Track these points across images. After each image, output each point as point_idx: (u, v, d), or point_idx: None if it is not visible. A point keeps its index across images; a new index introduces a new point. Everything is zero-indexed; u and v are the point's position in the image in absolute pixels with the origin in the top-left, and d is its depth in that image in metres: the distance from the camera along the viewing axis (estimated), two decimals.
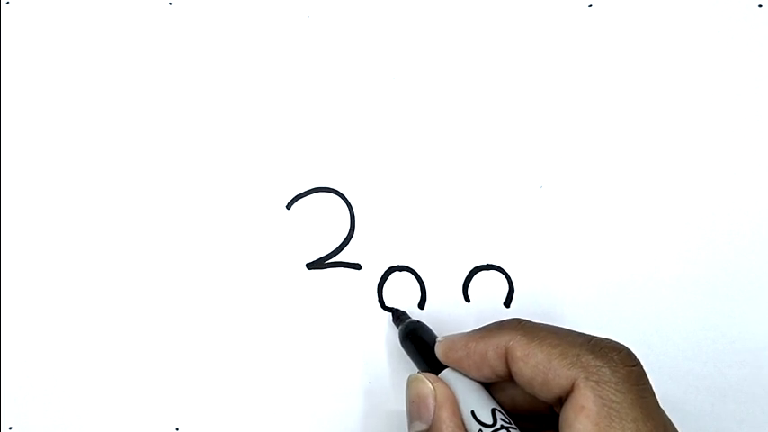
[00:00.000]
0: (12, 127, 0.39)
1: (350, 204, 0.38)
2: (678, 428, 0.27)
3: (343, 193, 0.38)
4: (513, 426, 0.28)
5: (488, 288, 0.37)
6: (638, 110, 0.38)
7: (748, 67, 0.38)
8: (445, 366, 0.31)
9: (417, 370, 0.32)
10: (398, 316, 0.36)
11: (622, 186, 0.38)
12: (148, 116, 0.39)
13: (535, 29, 0.38)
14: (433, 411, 0.29)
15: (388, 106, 0.38)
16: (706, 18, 0.38)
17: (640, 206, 0.37)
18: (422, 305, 0.37)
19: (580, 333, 0.28)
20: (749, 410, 0.36)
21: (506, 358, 0.28)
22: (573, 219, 0.37)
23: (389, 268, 0.38)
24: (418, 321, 0.35)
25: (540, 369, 0.27)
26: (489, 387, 0.30)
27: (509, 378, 0.29)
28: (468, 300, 0.37)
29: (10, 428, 0.37)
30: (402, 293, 0.37)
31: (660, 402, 0.27)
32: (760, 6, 0.38)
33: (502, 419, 0.28)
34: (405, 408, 0.31)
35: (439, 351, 0.31)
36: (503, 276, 0.37)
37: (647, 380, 0.27)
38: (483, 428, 0.28)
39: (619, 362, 0.26)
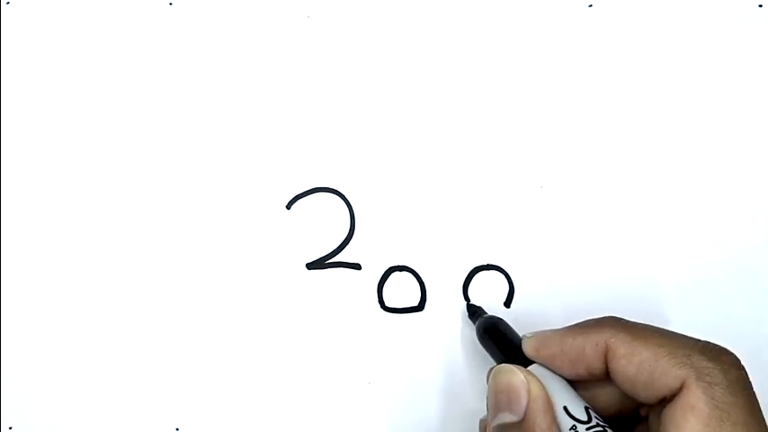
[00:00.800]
0: (12, 127, 0.39)
1: (350, 204, 0.38)
2: None
3: (343, 193, 0.38)
4: (607, 425, 0.27)
5: (488, 288, 0.37)
6: (639, 110, 0.38)
7: (748, 67, 0.38)
8: (531, 363, 0.30)
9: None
10: (474, 311, 0.35)
11: (623, 187, 0.38)
12: (148, 116, 0.39)
13: (535, 29, 0.38)
14: (525, 403, 0.28)
15: (388, 106, 0.38)
16: (706, 18, 0.38)
17: (640, 206, 0.37)
18: (422, 305, 0.37)
19: (685, 335, 0.28)
20: None
21: (606, 356, 0.28)
22: (573, 219, 0.37)
23: (389, 268, 0.38)
24: (497, 317, 0.34)
25: (645, 367, 0.27)
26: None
27: (603, 377, 0.28)
28: (468, 300, 0.37)
29: (10, 428, 0.37)
30: (402, 293, 0.37)
31: None
32: (760, 6, 0.38)
33: (596, 417, 0.28)
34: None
35: (529, 346, 0.30)
36: (503, 276, 0.37)
37: (752, 386, 0.26)
38: (577, 425, 0.27)
39: (730, 365, 0.26)
